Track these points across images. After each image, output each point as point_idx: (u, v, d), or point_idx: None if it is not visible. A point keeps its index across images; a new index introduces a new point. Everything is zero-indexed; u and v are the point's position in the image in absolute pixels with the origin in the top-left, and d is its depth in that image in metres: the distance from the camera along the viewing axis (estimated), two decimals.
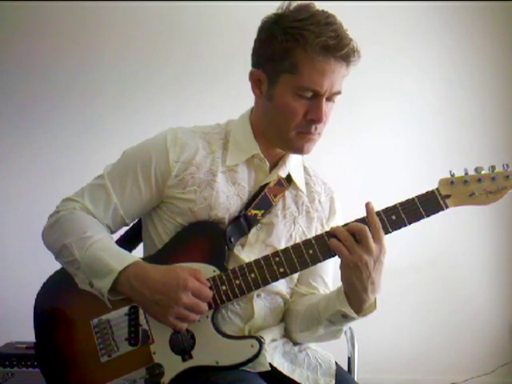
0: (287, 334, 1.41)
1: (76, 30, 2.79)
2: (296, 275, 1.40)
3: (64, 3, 2.76)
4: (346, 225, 1.24)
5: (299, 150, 1.35)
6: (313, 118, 1.28)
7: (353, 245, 1.19)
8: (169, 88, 2.81)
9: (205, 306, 1.22)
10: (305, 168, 1.49)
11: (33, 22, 2.78)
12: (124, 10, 2.82)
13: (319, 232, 1.41)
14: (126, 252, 1.30)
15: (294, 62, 1.25)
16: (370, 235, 1.19)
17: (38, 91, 2.78)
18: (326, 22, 1.24)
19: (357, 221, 1.23)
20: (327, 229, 1.42)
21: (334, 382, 1.34)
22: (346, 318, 1.25)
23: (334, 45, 1.23)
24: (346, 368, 1.53)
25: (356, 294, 1.21)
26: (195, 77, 2.81)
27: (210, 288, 1.24)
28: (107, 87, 2.80)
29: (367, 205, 1.23)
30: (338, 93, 1.30)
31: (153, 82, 2.81)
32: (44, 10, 2.78)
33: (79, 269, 1.27)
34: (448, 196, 1.24)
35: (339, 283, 1.27)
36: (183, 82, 2.82)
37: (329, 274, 1.46)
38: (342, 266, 1.22)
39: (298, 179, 1.43)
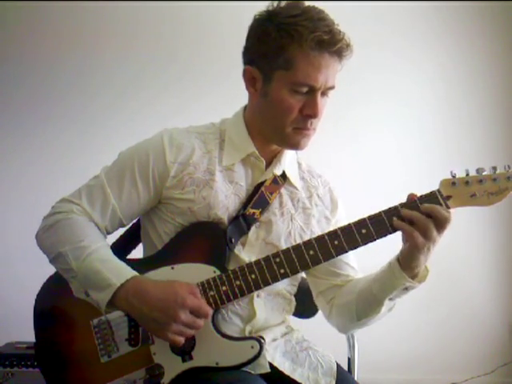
0: (340, 330, 1.44)
1: (77, 31, 2.79)
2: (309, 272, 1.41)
3: (65, 3, 2.76)
4: (412, 207, 1.23)
5: (295, 146, 1.35)
6: (309, 114, 1.29)
7: (432, 230, 1.19)
8: (170, 89, 2.81)
9: (201, 323, 1.22)
10: (299, 164, 1.49)
11: (34, 22, 2.78)
12: (125, 11, 2.82)
13: (323, 225, 1.43)
14: (124, 265, 1.28)
15: (289, 58, 1.25)
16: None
17: (38, 92, 2.78)
18: (319, 18, 1.25)
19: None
20: (333, 221, 1.45)
21: (334, 382, 1.34)
22: (407, 289, 1.27)
23: (328, 40, 1.23)
24: (345, 368, 1.53)
25: (416, 266, 1.23)
26: (197, 78, 2.81)
27: (209, 303, 1.24)
28: (108, 88, 2.80)
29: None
30: (332, 87, 1.31)
31: (154, 83, 2.81)
32: (45, 11, 2.78)
33: (75, 277, 1.26)
34: (449, 197, 1.24)
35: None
36: (185, 83, 2.82)
37: (350, 256, 1.44)
38: (412, 247, 1.21)
39: (293, 176, 1.43)
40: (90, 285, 1.23)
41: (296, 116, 1.29)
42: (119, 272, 1.24)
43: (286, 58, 1.25)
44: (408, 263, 1.24)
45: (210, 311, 1.23)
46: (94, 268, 1.23)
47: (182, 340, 1.21)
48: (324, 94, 1.30)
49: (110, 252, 1.31)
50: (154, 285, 1.23)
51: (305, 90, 1.27)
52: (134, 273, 1.25)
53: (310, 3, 1.30)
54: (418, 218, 1.20)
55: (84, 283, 1.24)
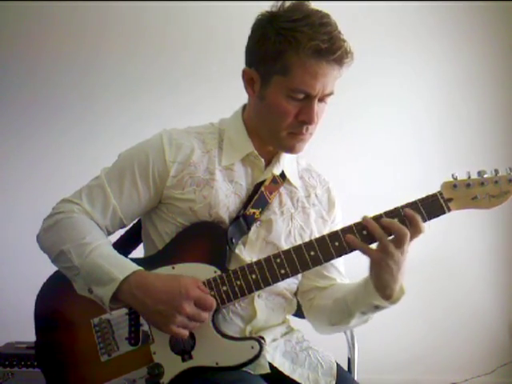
0: (315, 329, 1.44)
1: (79, 33, 2.79)
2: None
3: (67, 3, 2.76)
4: (375, 218, 1.22)
5: (290, 150, 1.35)
6: (304, 120, 1.29)
7: (387, 245, 1.19)
8: (171, 94, 2.81)
9: (206, 316, 1.22)
10: (298, 163, 1.49)
11: (35, 24, 2.78)
12: (127, 12, 2.81)
13: (320, 226, 1.43)
14: (126, 260, 1.29)
15: (286, 64, 1.25)
16: (408, 239, 1.18)
17: (40, 95, 2.78)
18: (320, 23, 1.23)
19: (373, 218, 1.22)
20: (329, 222, 1.45)
21: (334, 382, 1.35)
22: (378, 308, 1.27)
23: (326, 48, 1.22)
24: (345, 368, 1.53)
25: (386, 286, 1.22)
26: (198, 82, 2.80)
27: (212, 295, 1.24)
28: (110, 91, 2.80)
29: (364, 218, 1.22)
30: (331, 94, 1.30)
31: (156, 86, 2.81)
32: (47, 12, 2.78)
33: (78, 275, 1.25)
34: (450, 199, 1.24)
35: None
36: (186, 86, 2.81)
37: (340, 261, 1.45)
38: (373, 264, 1.22)
39: (292, 176, 1.44)
40: (93, 281, 1.23)
41: (291, 121, 1.29)
42: (122, 266, 1.24)
43: (284, 64, 1.25)
44: (374, 281, 1.24)
45: (214, 303, 1.23)
46: (97, 264, 1.23)
47: (186, 333, 1.21)
48: (322, 99, 1.30)
49: (112, 248, 1.31)
50: (157, 278, 1.23)
51: (301, 96, 1.27)
52: (138, 267, 1.25)
53: (306, 3, 1.28)
54: (374, 229, 1.20)
55: (87, 280, 1.24)
